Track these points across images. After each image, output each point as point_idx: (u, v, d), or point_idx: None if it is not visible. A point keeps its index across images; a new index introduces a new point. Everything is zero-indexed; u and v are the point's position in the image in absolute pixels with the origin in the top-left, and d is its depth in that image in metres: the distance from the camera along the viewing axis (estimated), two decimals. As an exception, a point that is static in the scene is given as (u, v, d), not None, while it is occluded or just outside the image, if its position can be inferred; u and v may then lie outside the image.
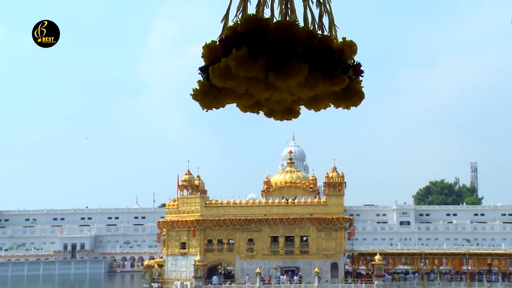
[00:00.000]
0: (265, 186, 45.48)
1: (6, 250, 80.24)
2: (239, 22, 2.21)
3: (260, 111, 2.48)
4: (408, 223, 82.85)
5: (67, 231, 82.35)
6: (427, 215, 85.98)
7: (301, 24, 2.37)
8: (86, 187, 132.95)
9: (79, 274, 75.46)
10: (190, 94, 2.31)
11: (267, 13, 2.45)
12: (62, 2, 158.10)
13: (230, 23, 2.34)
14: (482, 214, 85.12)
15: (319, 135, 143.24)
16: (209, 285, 36.97)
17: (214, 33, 2.34)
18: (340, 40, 2.34)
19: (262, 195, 45.12)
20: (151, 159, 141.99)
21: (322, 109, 2.41)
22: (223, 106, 2.36)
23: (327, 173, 40.26)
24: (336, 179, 39.84)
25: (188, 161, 42.93)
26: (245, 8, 2.40)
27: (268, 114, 2.49)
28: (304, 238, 39.47)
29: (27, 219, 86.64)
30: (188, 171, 41.83)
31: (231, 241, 39.49)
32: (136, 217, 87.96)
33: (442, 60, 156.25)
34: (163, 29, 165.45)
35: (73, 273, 75.92)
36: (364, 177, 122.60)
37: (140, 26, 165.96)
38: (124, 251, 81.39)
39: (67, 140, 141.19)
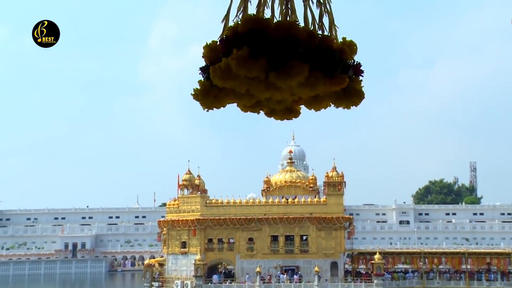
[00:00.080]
0: (265, 186, 45.61)
1: (7, 249, 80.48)
2: (239, 22, 2.22)
3: (261, 111, 2.48)
4: (408, 222, 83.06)
5: (68, 230, 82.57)
6: (427, 214, 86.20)
7: (302, 24, 2.38)
8: (87, 187, 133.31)
9: (80, 273, 75.74)
10: (191, 94, 2.32)
11: (267, 13, 2.46)
12: (63, 2, 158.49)
13: (231, 23, 2.34)
14: (481, 214, 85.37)
15: (319, 134, 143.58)
16: (210, 284, 37.10)
17: (214, 33, 2.35)
18: (340, 40, 2.35)
19: (262, 195, 45.26)
20: (152, 159, 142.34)
21: (323, 109, 2.41)
22: (224, 106, 2.36)
23: (327, 173, 40.39)
24: (336, 178, 39.98)
25: (189, 161, 43.08)
26: (245, 8, 2.41)
27: (268, 114, 2.50)
28: (304, 238, 39.60)
29: (28, 219, 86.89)
30: (189, 170, 41.99)
31: (231, 240, 39.61)
32: (136, 217, 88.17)
33: (442, 60, 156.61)
34: (163, 29, 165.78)
35: (74, 272, 76.21)
36: (363, 176, 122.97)
37: (140, 26, 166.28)
38: (125, 250, 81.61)
39: (68, 140, 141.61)
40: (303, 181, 44.80)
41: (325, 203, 39.68)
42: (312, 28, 2.42)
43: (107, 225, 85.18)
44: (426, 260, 39.91)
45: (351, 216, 44.37)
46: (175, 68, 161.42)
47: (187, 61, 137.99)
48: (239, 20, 2.29)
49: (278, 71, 2.10)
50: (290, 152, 56.00)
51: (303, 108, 2.49)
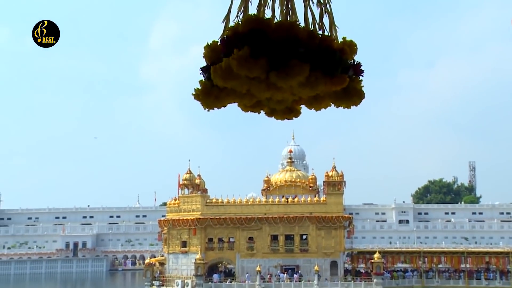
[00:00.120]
0: (265, 185, 45.73)
1: (8, 248, 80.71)
2: (240, 22, 2.23)
3: (261, 111, 2.48)
4: (407, 221, 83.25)
5: (69, 229, 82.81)
6: (426, 213, 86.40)
7: (302, 24, 2.38)
8: (88, 186, 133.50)
9: (81, 272, 76.00)
10: (192, 94, 2.31)
11: (268, 14, 2.46)
12: (64, 3, 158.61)
13: (232, 24, 2.35)
14: (480, 213, 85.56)
15: (318, 134, 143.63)
16: (210, 283, 37.27)
17: (215, 34, 2.35)
18: (340, 40, 2.35)
19: (262, 194, 45.39)
20: (152, 159, 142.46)
21: (323, 109, 2.41)
22: (225, 106, 2.36)
23: (327, 172, 40.52)
24: (336, 178, 40.11)
25: (189, 160, 43.19)
26: (246, 9, 2.41)
27: (269, 114, 2.50)
28: (304, 237, 39.73)
29: (30, 218, 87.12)
30: (189, 170, 42.13)
31: (231, 240, 39.75)
32: (137, 216, 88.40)
33: (441, 60, 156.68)
34: (164, 29, 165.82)
35: (75, 271, 76.47)
36: (363, 176, 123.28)
37: (141, 26, 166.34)
38: (125, 249, 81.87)
39: (69, 140, 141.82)
40: (303, 181, 44.95)
41: (325, 202, 39.83)
42: (312, 28, 2.42)
43: (108, 225, 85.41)
44: (426, 259, 40.04)
45: (350, 216, 44.48)
46: (175, 68, 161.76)
47: (188, 61, 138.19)
48: (239, 20, 2.30)
49: (279, 71, 2.11)
50: (290, 151, 56.16)
51: (303, 108, 2.49)
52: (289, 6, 2.46)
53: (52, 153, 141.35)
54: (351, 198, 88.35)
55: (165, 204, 55.73)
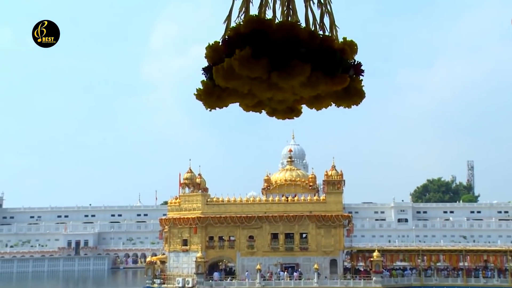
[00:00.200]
0: (266, 184, 45.97)
1: (11, 246, 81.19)
2: (241, 23, 2.24)
3: (263, 110, 2.49)
4: (406, 220, 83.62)
5: (71, 228, 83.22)
6: (425, 212, 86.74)
7: (303, 24, 2.38)
8: (89, 185, 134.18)
9: (83, 271, 76.44)
10: (194, 94, 2.32)
11: (269, 14, 2.47)
12: (66, 3, 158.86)
13: (233, 24, 2.36)
14: (479, 212, 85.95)
15: (318, 134, 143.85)
16: (210, 281, 37.57)
17: (215, 34, 2.37)
18: (341, 40, 2.37)
19: (263, 193, 45.66)
20: (153, 158, 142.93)
21: (323, 108, 2.41)
22: (226, 106, 2.36)
23: (326, 171, 40.77)
24: (335, 177, 40.38)
25: (190, 160, 43.48)
26: (247, 9, 2.42)
27: (270, 113, 2.51)
28: (304, 235, 40.00)
29: (32, 217, 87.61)
30: (190, 169, 42.44)
31: (232, 238, 40.03)
32: (138, 215, 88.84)
33: (441, 60, 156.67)
34: (165, 29, 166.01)
35: (77, 270, 76.93)
36: (362, 175, 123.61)
37: (142, 27, 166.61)
38: (127, 247, 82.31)
39: (71, 139, 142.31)
40: (303, 180, 45.20)
41: (325, 201, 40.10)
42: (313, 28, 2.43)
43: (109, 223, 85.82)
44: (424, 257, 40.28)
45: (350, 214, 44.78)
46: (176, 68, 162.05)
47: (188, 61, 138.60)
48: (241, 21, 2.32)
49: (280, 71, 2.12)
50: (290, 151, 56.34)
51: (303, 107, 2.51)
52: (290, 6, 2.47)
53: (54, 153, 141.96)
54: (351, 197, 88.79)
55: (166, 203, 56.22)
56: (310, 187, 44.48)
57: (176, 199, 42.06)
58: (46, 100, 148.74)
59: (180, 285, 38.24)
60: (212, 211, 40.12)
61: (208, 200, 40.88)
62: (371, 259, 37.81)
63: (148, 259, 44.39)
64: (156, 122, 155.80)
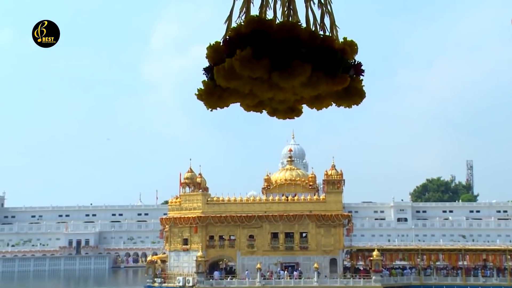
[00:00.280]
0: (266, 184, 46.08)
1: (13, 246, 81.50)
2: (242, 23, 2.25)
3: (263, 110, 2.50)
4: (405, 219, 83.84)
5: (72, 227, 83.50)
6: (424, 212, 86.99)
7: (304, 25, 2.38)
8: (90, 185, 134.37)
9: (84, 270, 76.70)
10: (195, 94, 2.32)
11: (269, 15, 2.48)
12: (67, 3, 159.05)
13: (234, 24, 2.37)
14: (478, 211, 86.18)
15: (318, 133, 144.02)
16: (211, 280, 37.70)
17: (216, 34, 2.37)
18: (341, 40, 2.38)
19: (263, 192, 45.79)
20: (154, 158, 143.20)
21: (324, 108, 2.42)
22: (228, 106, 2.36)
23: (326, 171, 40.90)
24: (335, 176, 40.52)
25: (190, 159, 43.64)
26: (248, 10, 2.43)
27: (271, 113, 2.51)
28: (304, 235, 40.12)
29: (33, 216, 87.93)
30: (190, 169, 42.61)
31: (232, 237, 40.18)
32: (139, 214, 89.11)
33: (440, 60, 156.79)
34: (165, 30, 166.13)
35: (78, 269, 77.20)
36: (362, 174, 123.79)
37: (142, 27, 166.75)
38: (127, 247, 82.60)
39: (72, 139, 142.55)
40: (303, 179, 45.32)
41: (324, 200, 40.25)
42: (313, 28, 2.44)
43: (110, 223, 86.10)
44: (424, 256, 40.42)
45: (350, 214, 44.96)
46: (176, 68, 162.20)
47: (189, 61, 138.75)
48: (242, 21, 2.33)
49: (281, 71, 2.13)
50: (290, 150, 56.47)
51: (303, 107, 2.52)
52: (291, 7, 2.48)
53: (55, 152, 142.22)
54: (350, 196, 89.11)
55: (166, 202, 56.40)
56: (310, 187, 44.61)
57: (177, 198, 42.23)
58: (47, 100, 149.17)
59: (181, 284, 38.43)
60: (213, 211, 40.29)
61: (209, 199, 41.05)
62: (371, 258, 37.95)
63: (148, 258, 44.60)
64: (157, 122, 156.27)
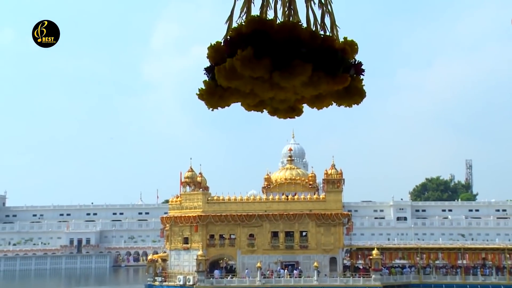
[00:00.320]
0: (266, 183, 46.19)
1: (14, 244, 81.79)
2: (243, 23, 2.26)
3: (264, 110, 2.50)
4: (405, 218, 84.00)
5: (73, 226, 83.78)
6: (423, 210, 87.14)
7: (304, 25, 2.39)
8: (91, 184, 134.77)
9: (85, 268, 76.98)
10: (196, 94, 2.33)
11: (270, 15, 2.48)
12: (67, 3, 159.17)
13: (234, 24, 2.39)
14: (477, 210, 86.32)
15: (318, 133, 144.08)
16: (211, 279, 37.87)
17: (216, 34, 2.38)
18: (341, 40, 2.39)
19: (263, 192, 45.91)
20: (154, 157, 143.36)
21: (325, 107, 2.42)
22: (229, 105, 2.37)
23: (326, 170, 41.06)
24: (335, 176, 40.68)
25: (191, 159, 43.76)
26: (249, 10, 2.44)
27: (271, 113, 2.52)
28: (304, 234, 40.29)
29: (35, 215, 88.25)
30: (191, 168, 42.78)
31: (232, 236, 40.37)
32: (140, 213, 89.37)
33: (440, 60, 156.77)
34: (166, 30, 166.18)
35: (79, 267, 77.47)
36: (362, 174, 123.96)
37: (143, 27, 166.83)
38: (128, 246, 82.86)
39: (73, 139, 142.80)
40: (303, 179, 45.46)
41: (324, 200, 40.41)
42: (314, 28, 2.45)
43: (111, 222, 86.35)
44: (423, 255, 40.56)
45: (349, 213, 45.07)
46: (177, 68, 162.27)
47: (189, 61, 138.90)
48: (242, 21, 2.33)
49: (282, 71, 2.14)
50: (290, 150, 56.54)
51: (303, 107, 2.53)
52: (291, 7, 2.49)
53: (56, 152, 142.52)
54: (350, 195, 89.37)
55: (167, 201, 56.59)
56: (310, 186, 44.76)
57: (177, 197, 42.41)
58: (47, 99, 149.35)
59: (181, 283, 38.63)
60: (213, 210, 40.47)
61: (209, 198, 41.22)
62: (370, 257, 38.08)
63: (149, 257, 44.83)
64: (157, 122, 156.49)
